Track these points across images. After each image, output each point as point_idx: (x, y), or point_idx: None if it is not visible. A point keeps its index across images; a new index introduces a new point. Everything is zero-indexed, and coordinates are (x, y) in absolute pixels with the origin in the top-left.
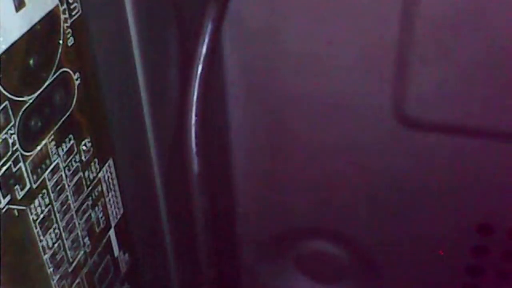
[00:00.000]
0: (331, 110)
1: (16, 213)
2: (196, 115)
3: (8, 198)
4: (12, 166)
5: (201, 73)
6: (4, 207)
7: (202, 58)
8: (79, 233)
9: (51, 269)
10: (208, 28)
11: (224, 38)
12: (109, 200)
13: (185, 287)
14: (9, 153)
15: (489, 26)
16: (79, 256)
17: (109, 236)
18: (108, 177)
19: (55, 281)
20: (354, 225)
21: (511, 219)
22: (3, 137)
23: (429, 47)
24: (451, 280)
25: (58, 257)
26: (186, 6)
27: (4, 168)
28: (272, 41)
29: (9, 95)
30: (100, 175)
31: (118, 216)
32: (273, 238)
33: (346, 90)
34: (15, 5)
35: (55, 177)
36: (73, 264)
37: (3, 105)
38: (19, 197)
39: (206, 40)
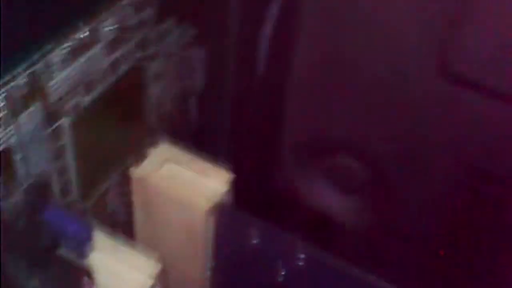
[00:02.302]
0: (382, 68)
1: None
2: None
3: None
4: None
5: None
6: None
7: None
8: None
9: (152, 111)
10: None
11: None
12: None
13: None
14: None
15: None
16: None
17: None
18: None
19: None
20: (379, 147)
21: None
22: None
23: (473, 7)
24: (450, 208)
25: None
26: None
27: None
28: (344, 7)
29: None
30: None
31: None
32: (308, 145)
33: (399, 50)
34: None
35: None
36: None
37: None
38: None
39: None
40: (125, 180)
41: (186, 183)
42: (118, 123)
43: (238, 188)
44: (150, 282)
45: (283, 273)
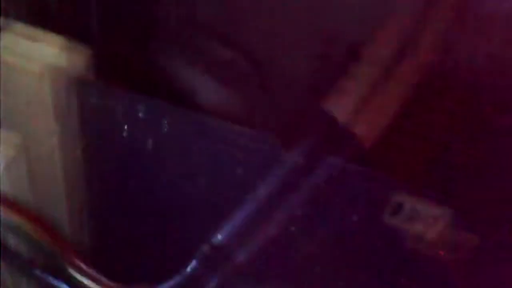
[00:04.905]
0: None
1: None
2: None
3: None
4: None
5: None
6: None
7: None
8: None
9: None
10: None
11: None
12: None
13: None
14: None
15: None
16: None
17: None
18: None
19: None
20: (252, 34)
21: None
22: None
23: None
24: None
25: None
26: None
27: None
28: None
29: None
30: None
31: None
32: (189, 41)
33: None
34: None
35: None
36: None
37: None
38: None
39: None
40: None
41: (20, 51)
42: None
43: (107, 65)
44: (11, 152)
45: (126, 127)
